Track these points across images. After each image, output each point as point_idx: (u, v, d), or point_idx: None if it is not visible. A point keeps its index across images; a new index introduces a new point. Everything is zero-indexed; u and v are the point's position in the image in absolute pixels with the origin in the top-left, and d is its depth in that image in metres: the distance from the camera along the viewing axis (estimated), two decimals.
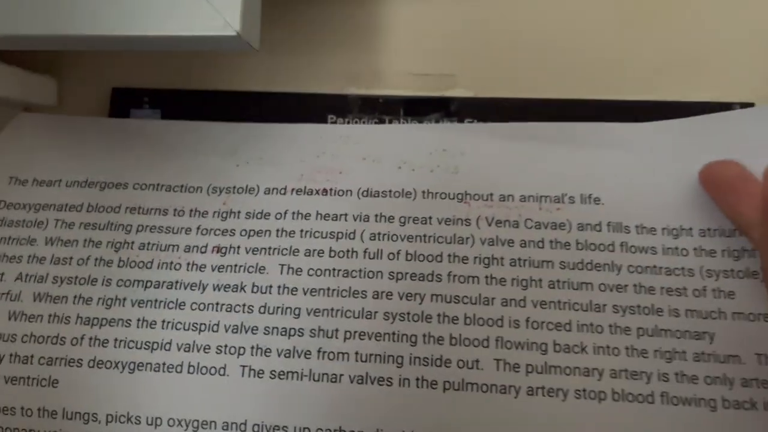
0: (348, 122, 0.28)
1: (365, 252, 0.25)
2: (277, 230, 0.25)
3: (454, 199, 0.25)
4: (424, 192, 0.25)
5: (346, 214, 0.25)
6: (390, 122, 0.28)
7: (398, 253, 0.25)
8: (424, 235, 0.25)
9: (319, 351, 0.24)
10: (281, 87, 0.29)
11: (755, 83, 0.27)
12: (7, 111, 0.29)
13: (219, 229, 0.25)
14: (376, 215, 0.25)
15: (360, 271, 0.24)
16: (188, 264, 0.25)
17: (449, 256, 0.24)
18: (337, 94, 0.28)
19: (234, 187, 0.26)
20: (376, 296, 0.24)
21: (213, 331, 0.24)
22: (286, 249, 0.25)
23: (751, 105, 0.26)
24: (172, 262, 0.25)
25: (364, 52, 0.29)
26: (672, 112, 0.26)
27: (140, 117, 0.29)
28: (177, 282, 0.25)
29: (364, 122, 0.28)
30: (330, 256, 0.25)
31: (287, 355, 0.24)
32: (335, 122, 0.28)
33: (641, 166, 0.25)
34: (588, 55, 0.28)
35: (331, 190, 0.26)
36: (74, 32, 0.22)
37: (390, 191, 0.26)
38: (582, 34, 0.28)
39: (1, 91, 0.27)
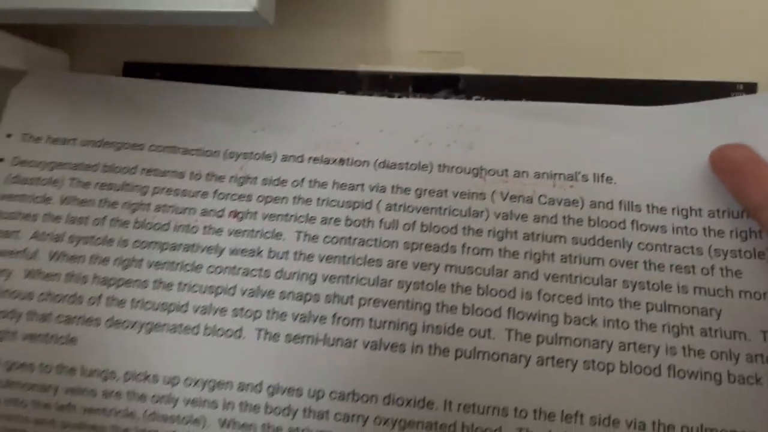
0: None
1: (381, 222, 0.25)
2: (294, 197, 0.26)
3: (469, 173, 0.26)
4: (440, 165, 0.26)
5: (362, 184, 0.26)
6: (399, 98, 0.28)
7: (414, 223, 0.25)
8: (440, 208, 0.25)
9: (334, 316, 0.24)
10: (292, 63, 0.29)
11: (758, 64, 0.28)
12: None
13: (236, 194, 0.26)
14: (393, 186, 0.26)
15: (375, 240, 0.25)
16: (205, 227, 0.25)
17: (464, 228, 0.25)
18: (347, 71, 0.29)
19: (251, 153, 0.26)
20: (390, 265, 0.24)
21: (229, 294, 0.24)
22: (303, 216, 0.25)
23: (754, 85, 0.27)
24: (188, 225, 0.25)
25: (373, 30, 0.29)
26: (676, 91, 0.27)
27: None
28: (193, 245, 0.25)
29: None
30: (346, 225, 0.25)
31: (303, 319, 0.24)
32: None
33: (653, 147, 0.25)
34: (593, 35, 0.28)
35: (348, 159, 0.26)
36: (92, 7, 0.23)
37: (407, 163, 0.26)
38: (588, 14, 0.29)
39: (15, 64, 0.28)
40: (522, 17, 0.29)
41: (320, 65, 0.29)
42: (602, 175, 0.25)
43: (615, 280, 0.24)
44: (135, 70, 0.30)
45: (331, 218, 0.25)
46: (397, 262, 0.24)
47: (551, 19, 0.29)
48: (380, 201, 0.25)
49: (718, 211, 0.24)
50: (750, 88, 0.27)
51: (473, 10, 0.29)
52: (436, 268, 0.24)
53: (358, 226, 0.25)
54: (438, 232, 0.25)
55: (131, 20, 0.23)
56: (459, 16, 0.29)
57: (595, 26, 0.28)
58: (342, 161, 0.26)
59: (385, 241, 0.25)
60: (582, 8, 0.29)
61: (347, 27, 0.29)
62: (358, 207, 0.25)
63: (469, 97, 0.28)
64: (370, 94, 0.28)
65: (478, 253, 0.24)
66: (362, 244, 0.25)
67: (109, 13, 0.23)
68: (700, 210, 0.24)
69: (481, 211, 0.25)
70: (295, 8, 0.29)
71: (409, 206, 0.25)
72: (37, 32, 0.28)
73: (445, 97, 0.28)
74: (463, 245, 0.25)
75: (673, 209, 0.24)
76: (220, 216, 0.25)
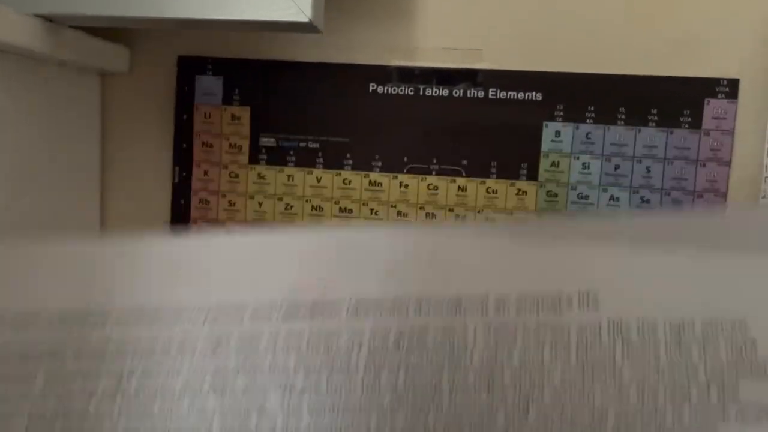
0: (388, 89, 0.32)
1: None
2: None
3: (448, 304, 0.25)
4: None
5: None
6: (425, 90, 0.31)
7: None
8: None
9: None
10: (329, 58, 0.33)
11: (740, 62, 0.31)
12: (87, 76, 0.32)
13: None
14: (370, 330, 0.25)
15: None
16: None
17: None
18: (378, 65, 0.33)
19: None
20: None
21: None
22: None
23: (736, 81, 0.30)
24: None
25: (402, 29, 0.33)
26: (667, 85, 0.31)
27: (205, 83, 0.33)
28: None
29: (402, 89, 0.32)
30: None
31: None
32: (376, 89, 0.32)
33: (637, 256, 0.24)
34: (596, 36, 0.32)
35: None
36: (162, 15, 0.25)
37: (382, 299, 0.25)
38: (594, 16, 0.32)
39: (85, 60, 0.30)
40: (534, 20, 0.32)
41: (355, 60, 0.33)
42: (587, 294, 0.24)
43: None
44: (188, 63, 0.33)
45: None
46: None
47: (559, 22, 0.32)
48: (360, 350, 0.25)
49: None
50: (733, 84, 0.30)
51: (491, 13, 0.32)
52: (426, 415, 0.24)
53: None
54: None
55: (196, 26, 0.27)
56: (478, 17, 0.32)
57: (600, 29, 0.32)
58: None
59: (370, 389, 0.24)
60: (589, 13, 0.32)
61: (379, 27, 0.33)
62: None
63: (486, 90, 0.31)
64: (399, 86, 0.32)
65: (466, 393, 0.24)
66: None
67: (177, 21, 0.26)
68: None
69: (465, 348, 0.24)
70: (335, 12, 0.32)
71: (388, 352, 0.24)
72: (102, 29, 0.31)
73: (465, 90, 0.31)
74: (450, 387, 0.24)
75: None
76: None
